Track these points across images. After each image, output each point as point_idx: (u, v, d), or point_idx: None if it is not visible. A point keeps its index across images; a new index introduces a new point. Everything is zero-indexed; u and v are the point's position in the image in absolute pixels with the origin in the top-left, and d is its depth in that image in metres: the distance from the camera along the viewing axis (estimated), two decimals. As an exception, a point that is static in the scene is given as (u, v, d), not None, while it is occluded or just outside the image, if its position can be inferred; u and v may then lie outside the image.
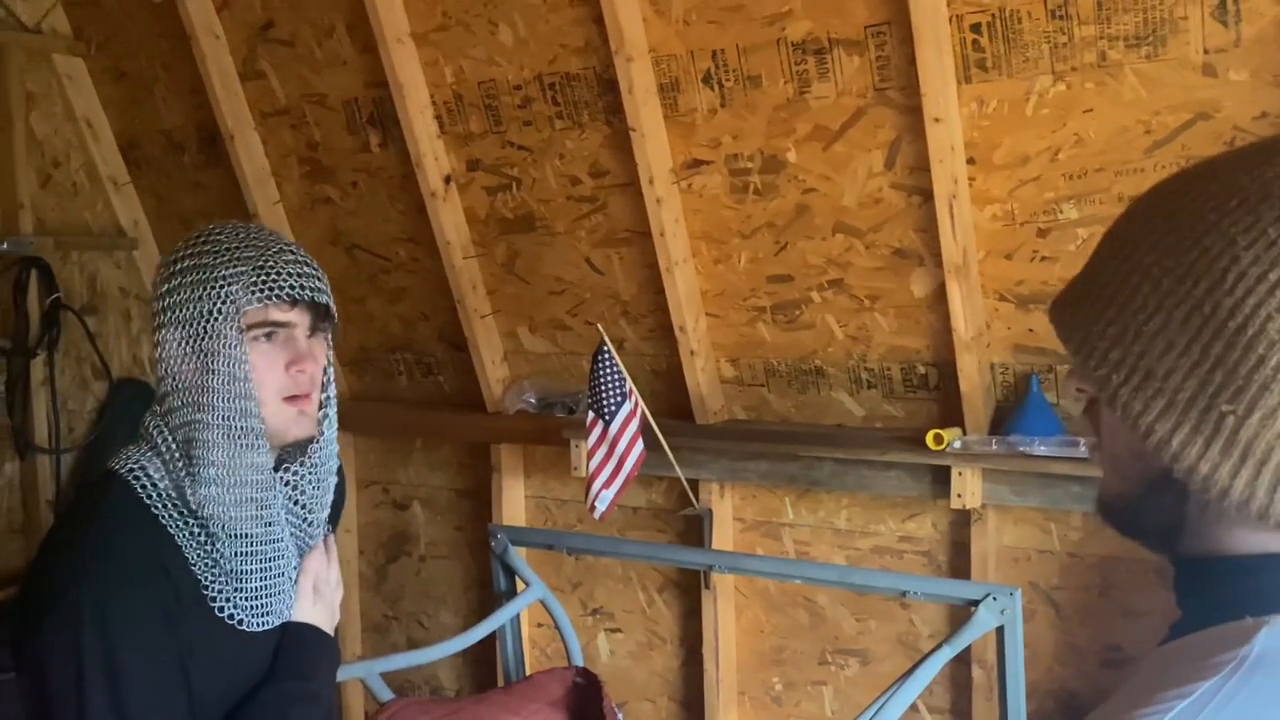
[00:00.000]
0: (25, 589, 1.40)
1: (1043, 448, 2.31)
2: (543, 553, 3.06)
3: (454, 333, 3.22)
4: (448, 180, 2.98)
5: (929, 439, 2.40)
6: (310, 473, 1.49)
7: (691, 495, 2.80)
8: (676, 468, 2.67)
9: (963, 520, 2.57)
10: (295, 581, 1.49)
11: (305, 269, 1.43)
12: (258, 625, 1.42)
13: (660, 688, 3.09)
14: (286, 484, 1.47)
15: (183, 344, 1.39)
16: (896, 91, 2.34)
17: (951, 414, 2.53)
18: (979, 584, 2.34)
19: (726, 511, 2.88)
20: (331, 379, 1.51)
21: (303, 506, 1.49)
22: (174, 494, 1.39)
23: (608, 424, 2.57)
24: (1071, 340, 0.80)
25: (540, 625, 3.24)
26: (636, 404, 2.61)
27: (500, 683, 3.06)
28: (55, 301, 3.40)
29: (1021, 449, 2.33)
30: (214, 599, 1.39)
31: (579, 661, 2.72)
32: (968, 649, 2.26)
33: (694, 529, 2.92)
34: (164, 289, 1.42)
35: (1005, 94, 2.25)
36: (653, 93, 2.58)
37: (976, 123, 2.29)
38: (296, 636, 1.46)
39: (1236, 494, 0.72)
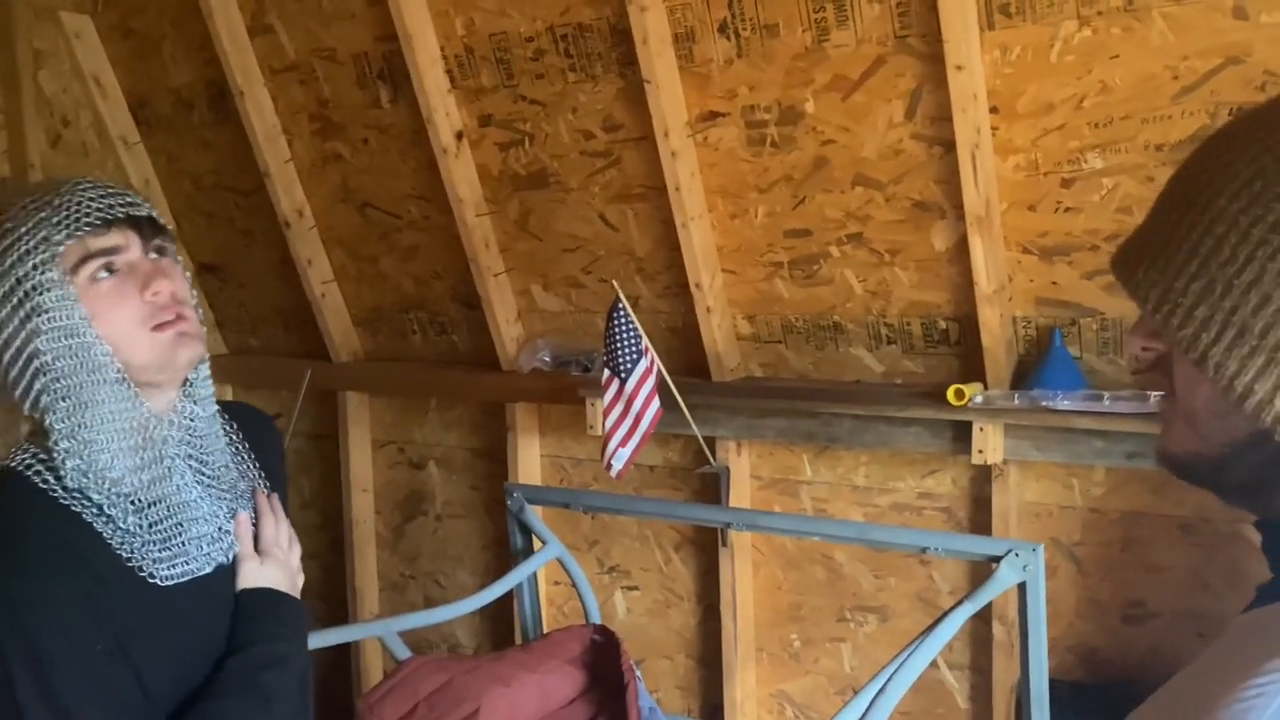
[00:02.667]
0: None
1: (1065, 402, 2.28)
2: (559, 512, 3.05)
3: (467, 291, 3.20)
4: (459, 136, 2.94)
5: (950, 394, 2.37)
6: (193, 403, 1.39)
7: (708, 453, 2.78)
8: (693, 425, 2.65)
9: (983, 476, 2.54)
10: (221, 530, 1.39)
11: (110, 189, 1.33)
12: (177, 577, 1.33)
13: (678, 645, 3.09)
14: (175, 425, 1.37)
15: (13, 316, 1.28)
16: (917, 39, 2.29)
17: (973, 369, 2.50)
18: (1001, 540, 2.31)
19: (744, 469, 2.86)
20: (195, 300, 1.40)
21: (198, 447, 1.39)
22: (66, 473, 1.30)
23: (624, 381, 2.55)
24: (1149, 297, 0.75)
25: (557, 584, 3.24)
26: (652, 361, 2.58)
27: (518, 641, 3.06)
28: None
29: (1044, 403, 2.29)
30: (141, 568, 1.31)
31: (596, 619, 2.72)
32: (988, 606, 2.24)
33: (711, 487, 2.90)
34: None
35: (1029, 40, 2.20)
36: (667, 43, 2.53)
37: (999, 70, 2.24)
38: (251, 603, 1.39)
39: None
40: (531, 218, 2.98)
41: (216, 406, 1.45)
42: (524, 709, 2.31)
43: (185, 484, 1.37)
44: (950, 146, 2.30)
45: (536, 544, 2.83)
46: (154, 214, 1.36)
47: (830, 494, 2.78)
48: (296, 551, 1.51)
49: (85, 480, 1.31)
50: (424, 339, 3.43)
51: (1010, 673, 2.51)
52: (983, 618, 2.48)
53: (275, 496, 1.51)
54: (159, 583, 1.32)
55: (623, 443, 2.57)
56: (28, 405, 1.32)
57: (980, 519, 2.57)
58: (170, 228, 1.39)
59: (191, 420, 1.39)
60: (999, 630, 2.54)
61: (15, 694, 1.21)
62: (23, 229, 1.29)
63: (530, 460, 3.22)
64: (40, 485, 1.31)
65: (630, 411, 2.56)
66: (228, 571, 1.41)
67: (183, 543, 1.34)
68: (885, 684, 2.05)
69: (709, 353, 2.80)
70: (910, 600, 2.72)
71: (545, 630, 2.84)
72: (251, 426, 1.56)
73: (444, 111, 2.90)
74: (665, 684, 3.10)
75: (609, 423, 2.56)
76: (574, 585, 2.77)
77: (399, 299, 3.40)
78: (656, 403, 2.58)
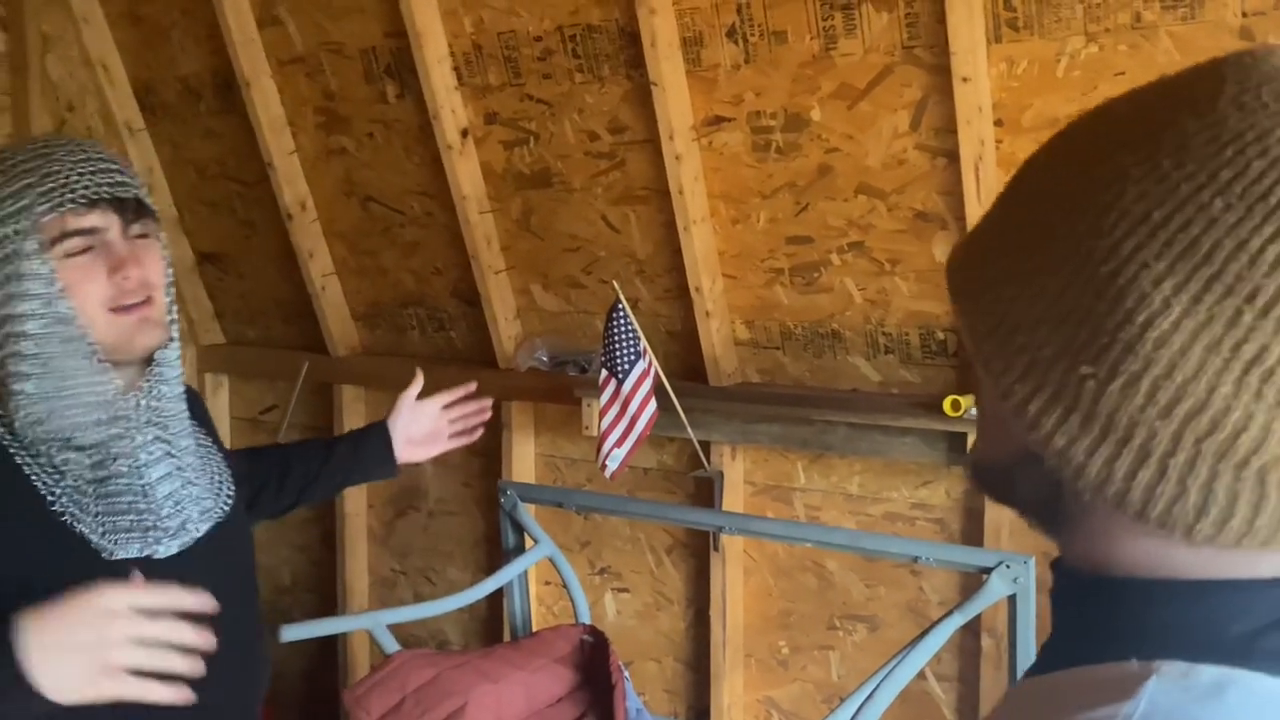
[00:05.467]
0: None
1: (1061, 417, 2.28)
2: (551, 512, 3.06)
3: (467, 288, 3.20)
4: (465, 133, 2.95)
5: (946, 405, 2.37)
6: (161, 383, 1.40)
7: (703, 457, 2.78)
8: (689, 429, 2.65)
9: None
10: (179, 509, 1.39)
11: (101, 164, 1.32)
12: (126, 552, 1.31)
13: (666, 648, 3.09)
14: (140, 404, 1.37)
15: None
16: (925, 50, 2.30)
17: (970, 381, 2.51)
18: (992, 551, 2.32)
19: (737, 474, 2.86)
20: (171, 283, 1.41)
21: (164, 428, 1.40)
22: (22, 430, 1.31)
23: (620, 382, 2.55)
24: (951, 284, 0.66)
25: (548, 583, 3.23)
26: (650, 363, 2.58)
27: (507, 639, 3.06)
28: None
29: (1039, 418, 2.30)
30: (89, 540, 1.30)
31: (586, 619, 2.72)
32: (977, 617, 2.24)
33: (704, 492, 2.91)
34: None
35: (1036, 55, 2.21)
36: (675, 46, 2.54)
37: (1005, 83, 2.25)
38: None
39: (1093, 475, 0.58)
40: (534, 217, 2.99)
41: (183, 389, 1.45)
42: (511, 706, 2.32)
43: (149, 461, 1.37)
44: (954, 158, 2.31)
45: (528, 543, 2.83)
46: (140, 195, 1.36)
47: (823, 502, 2.79)
48: (132, 655, 1.13)
49: (41, 435, 1.31)
50: (422, 335, 3.44)
51: (998, 685, 2.51)
52: (971, 629, 2.48)
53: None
54: (106, 556, 1.31)
55: (618, 444, 2.58)
56: None
57: (973, 531, 2.57)
58: (157, 210, 1.40)
59: (158, 401, 1.39)
60: (988, 642, 2.54)
61: None
62: (5, 191, 1.29)
63: (524, 459, 3.22)
64: None
65: (626, 413, 2.57)
66: (183, 555, 1.39)
67: (136, 519, 1.34)
68: (872, 693, 2.06)
69: (707, 357, 2.81)
70: (900, 610, 2.72)
71: (534, 629, 2.84)
72: (194, 407, 1.55)
73: (450, 108, 2.91)
74: (653, 687, 3.10)
75: (605, 423, 2.57)
76: (564, 585, 2.78)
77: (398, 294, 3.41)
78: (653, 405, 2.58)
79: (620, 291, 2.55)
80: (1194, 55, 2.04)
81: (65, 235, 1.29)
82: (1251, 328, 0.54)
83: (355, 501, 3.59)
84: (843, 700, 2.09)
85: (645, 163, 2.73)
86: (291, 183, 3.31)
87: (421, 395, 2.00)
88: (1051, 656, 0.68)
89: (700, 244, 2.68)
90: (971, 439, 2.38)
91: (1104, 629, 0.63)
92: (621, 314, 2.53)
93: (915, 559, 2.25)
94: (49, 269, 1.28)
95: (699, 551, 2.97)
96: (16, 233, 1.28)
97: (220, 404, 3.89)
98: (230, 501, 1.49)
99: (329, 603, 3.66)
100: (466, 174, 2.97)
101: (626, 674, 2.45)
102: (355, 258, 3.41)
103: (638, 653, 3.11)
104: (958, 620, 2.10)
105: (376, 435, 1.94)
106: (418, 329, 3.43)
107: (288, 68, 3.20)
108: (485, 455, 3.35)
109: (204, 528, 1.42)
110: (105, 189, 1.31)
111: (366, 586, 3.64)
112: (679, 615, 3.05)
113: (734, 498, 2.85)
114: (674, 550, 3.04)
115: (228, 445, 4.06)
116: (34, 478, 1.31)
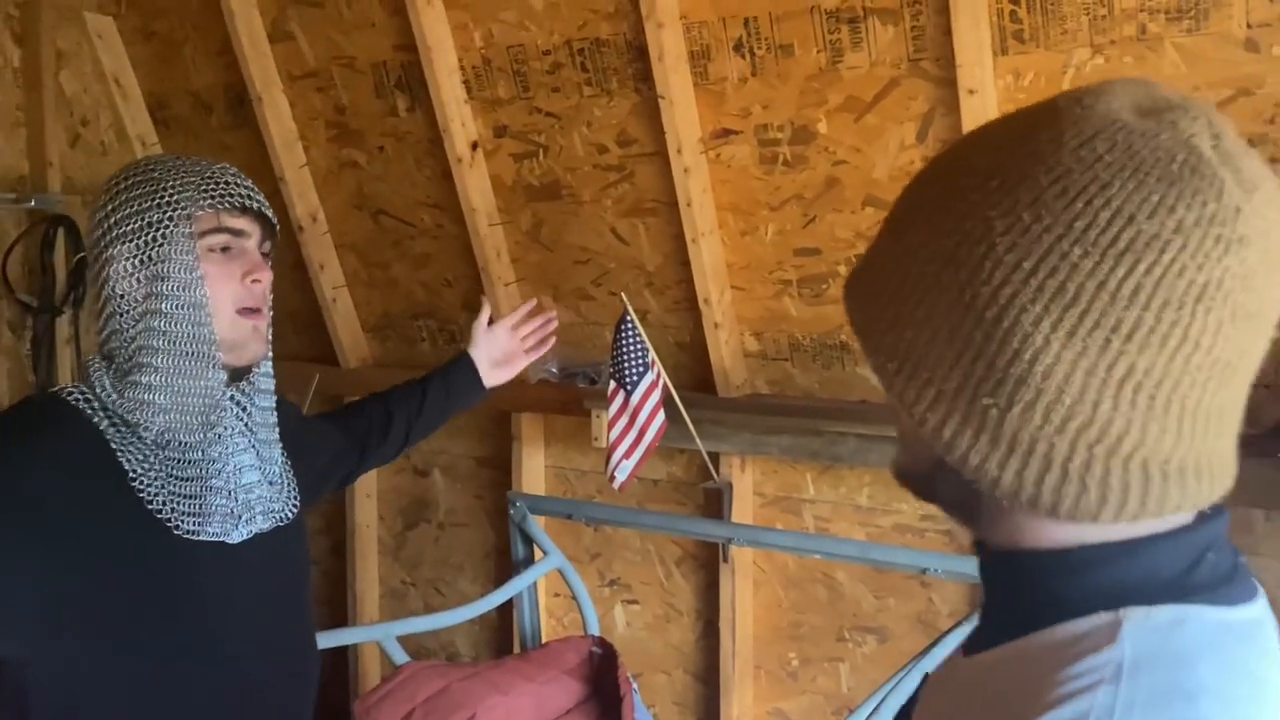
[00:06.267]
0: None
1: (1069, 428, 2.28)
2: (561, 524, 3.06)
3: (477, 300, 3.19)
4: (474, 146, 2.96)
5: (954, 416, 2.37)
6: (257, 392, 1.49)
7: (712, 469, 2.79)
8: (698, 440, 2.65)
9: (986, 500, 2.54)
10: (256, 499, 1.47)
11: (249, 183, 1.45)
12: (192, 534, 1.39)
13: (676, 660, 3.09)
14: (235, 402, 1.45)
15: (132, 258, 1.38)
16: (931, 63, 2.31)
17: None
18: (1000, 564, 2.31)
19: (747, 486, 2.86)
20: (270, 306, 1.51)
21: (252, 429, 1.48)
22: (114, 407, 1.38)
23: (629, 394, 2.56)
24: (854, 322, 0.77)
25: (557, 595, 3.24)
26: (659, 375, 2.59)
27: (516, 651, 3.07)
28: (82, 260, 3.41)
29: (1048, 429, 2.30)
30: (154, 507, 1.37)
31: (596, 631, 2.72)
32: (987, 629, 2.24)
33: (714, 503, 2.91)
34: (109, 208, 1.41)
35: (1042, 66, 2.21)
36: (683, 60, 2.55)
37: (1012, 95, 2.25)
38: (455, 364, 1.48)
39: (1007, 485, 0.70)
40: (543, 229, 3.00)
41: (275, 401, 1.54)
42: (520, 718, 2.32)
43: (235, 451, 1.44)
44: (961, 170, 2.31)
45: (538, 554, 2.84)
46: (275, 221, 1.48)
47: (833, 513, 2.79)
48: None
49: (139, 414, 1.37)
50: (432, 346, 3.45)
51: (1007, 697, 2.50)
52: (981, 641, 2.47)
53: None
54: (176, 532, 1.38)
55: (627, 455, 2.59)
56: (116, 344, 1.40)
57: (982, 542, 2.57)
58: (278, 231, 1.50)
59: (253, 407, 1.48)
60: (997, 654, 2.53)
61: None
62: (168, 183, 1.39)
63: (534, 470, 3.23)
64: (76, 404, 1.38)
65: (635, 424, 2.58)
66: (250, 543, 1.46)
67: (212, 503, 1.41)
68: (879, 704, 2.06)
69: (715, 368, 2.81)
70: (910, 622, 2.71)
71: (544, 641, 2.84)
72: (287, 420, 1.63)
73: (460, 122, 2.92)
74: (662, 699, 3.10)
75: (613, 435, 2.58)
76: (574, 597, 2.78)
77: (409, 306, 3.42)
78: (661, 416, 2.59)
79: (629, 303, 2.56)
80: (1200, 66, 2.05)
81: (215, 230, 1.40)
82: (1120, 352, 0.66)
83: (366, 513, 3.61)
84: (852, 711, 2.09)
85: (654, 175, 2.74)
86: (303, 196, 3.33)
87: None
88: (998, 628, 0.76)
89: (709, 256, 2.69)
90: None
91: (1051, 593, 0.72)
92: (630, 326, 2.54)
93: (925, 570, 2.25)
94: (193, 257, 1.37)
95: (708, 563, 2.97)
96: (171, 219, 1.37)
97: (232, 416, 3.91)
98: (294, 511, 1.56)
99: (339, 614, 3.68)
100: (476, 187, 2.98)
101: (635, 686, 2.45)
102: (366, 270, 3.43)
103: (647, 664, 3.11)
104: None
105: (464, 366, 2.16)
106: (428, 341, 3.45)
107: (299, 82, 3.22)
108: (495, 467, 3.37)
109: (265, 526, 1.49)
110: (255, 201, 1.44)
111: (377, 598, 3.65)
112: (689, 627, 3.05)
113: (743, 509, 2.85)
114: (683, 562, 3.05)
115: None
116: (121, 455, 1.37)
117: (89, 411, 1.38)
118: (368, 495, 3.60)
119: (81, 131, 3.54)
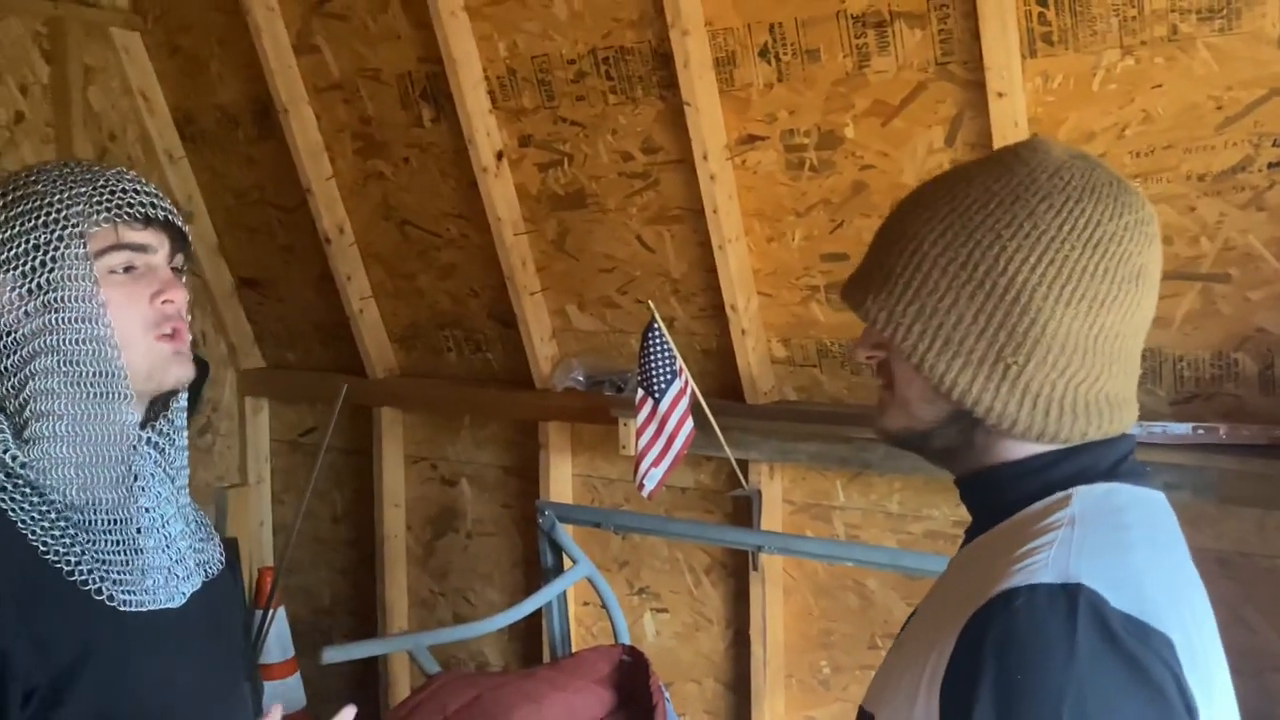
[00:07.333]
0: None
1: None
2: (588, 532, 3.06)
3: (503, 309, 3.21)
4: (500, 156, 2.97)
5: (985, 422, 2.35)
6: (174, 430, 1.31)
7: (740, 476, 2.78)
8: (726, 448, 2.64)
9: (1018, 505, 2.52)
10: (183, 558, 1.29)
11: (152, 190, 1.26)
12: (132, 605, 1.22)
13: (706, 669, 3.07)
14: (152, 444, 1.27)
15: (18, 285, 1.19)
16: (959, 66, 2.29)
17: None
18: (1034, 570, 2.29)
19: (776, 493, 2.85)
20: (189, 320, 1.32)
21: (169, 474, 1.30)
22: (15, 469, 1.18)
23: (657, 402, 2.55)
24: (878, 320, 1.01)
25: (586, 604, 3.23)
26: (686, 382, 2.58)
27: (546, 660, 3.06)
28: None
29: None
30: (81, 577, 1.19)
31: (626, 640, 2.71)
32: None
33: (742, 511, 2.90)
34: None
35: (1071, 69, 2.20)
36: (708, 67, 2.55)
37: (1041, 98, 2.24)
38: None
39: (1021, 423, 0.98)
40: (569, 237, 3.00)
41: (186, 435, 1.35)
42: (552, 727, 2.31)
43: (151, 505, 1.26)
44: (990, 173, 2.30)
45: (567, 563, 2.83)
46: (187, 229, 1.31)
47: (863, 520, 2.77)
48: None
49: (47, 476, 1.19)
50: (459, 356, 3.45)
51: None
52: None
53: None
54: (118, 608, 1.21)
55: (655, 463, 2.58)
56: (5, 387, 1.20)
57: (1014, 548, 2.55)
58: (210, 241, 1.36)
59: (172, 444, 1.31)
60: (1032, 661, 2.51)
61: None
62: (55, 196, 1.20)
63: (562, 479, 3.23)
64: None
65: (663, 432, 2.57)
66: (194, 600, 1.30)
67: (143, 568, 1.24)
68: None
69: (743, 375, 2.80)
70: (942, 629, 2.69)
71: (573, 650, 2.84)
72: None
73: (485, 131, 2.93)
74: (693, 708, 3.09)
75: (642, 443, 2.57)
76: (603, 605, 2.77)
77: (435, 316, 3.43)
78: (690, 424, 2.58)
79: (656, 311, 2.56)
80: (1232, 66, 2.03)
81: (115, 248, 1.21)
82: (1096, 314, 0.96)
83: (394, 523, 3.61)
84: None
85: (679, 182, 2.73)
86: (329, 207, 3.34)
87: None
88: (977, 529, 1.05)
89: (735, 262, 2.68)
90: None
91: (1021, 489, 1.00)
92: (657, 333, 2.54)
93: (957, 577, 2.23)
94: (91, 282, 1.19)
95: (738, 571, 2.96)
96: (61, 239, 1.18)
97: (260, 427, 3.93)
98: (222, 555, 1.40)
99: (368, 624, 3.68)
100: (501, 196, 2.99)
101: (667, 694, 2.44)
102: (392, 280, 3.44)
103: (677, 673, 3.10)
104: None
105: None
106: (455, 350, 3.45)
107: (325, 94, 3.24)
108: (522, 476, 3.37)
109: (198, 579, 1.33)
110: (160, 210, 1.25)
111: (406, 608, 3.66)
112: (719, 635, 3.04)
113: (773, 516, 2.84)
114: (713, 570, 3.03)
115: (269, 467, 4.06)
116: (24, 526, 1.19)
117: None
118: (396, 505, 3.61)
119: (109, 146, 3.56)
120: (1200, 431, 2.21)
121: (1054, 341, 0.95)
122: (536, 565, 3.05)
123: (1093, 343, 0.96)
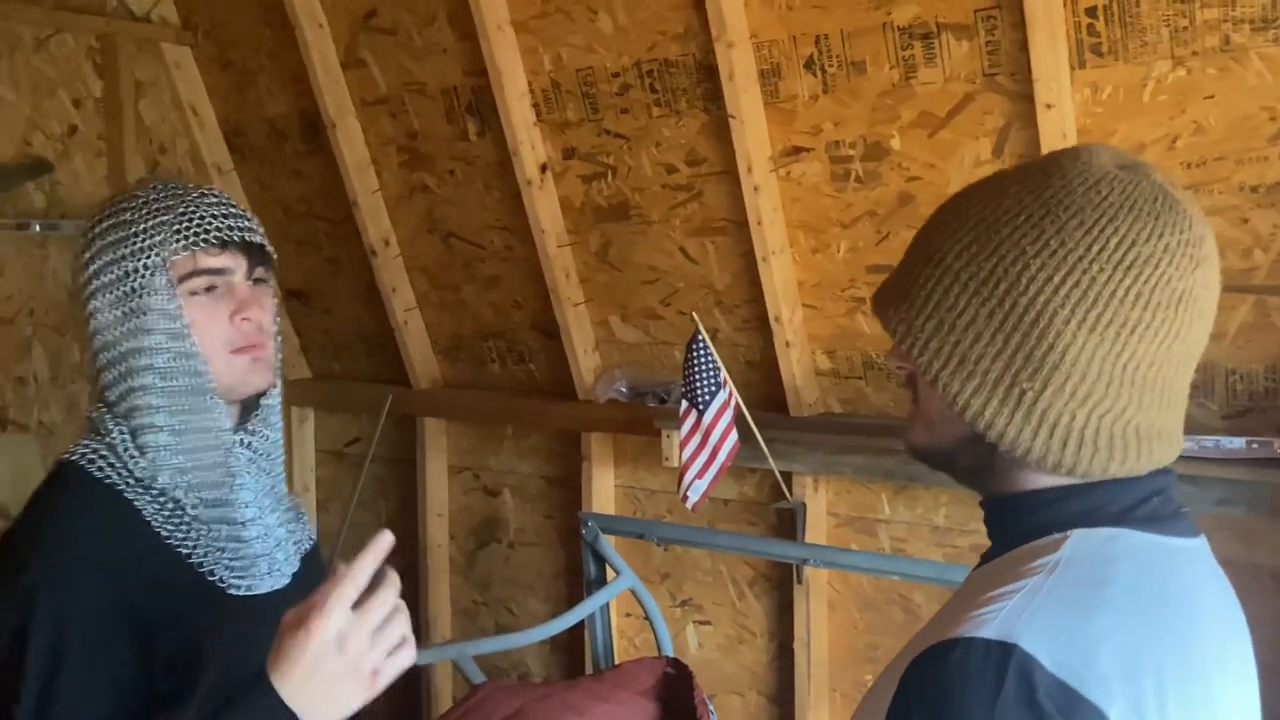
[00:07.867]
0: None
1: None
2: (630, 544, 3.06)
3: (546, 321, 3.23)
4: (544, 169, 2.98)
5: (1033, 435, 2.33)
6: (264, 427, 1.42)
7: (785, 488, 2.77)
8: (770, 460, 2.64)
9: (1066, 520, 2.49)
10: (285, 544, 1.42)
11: (231, 210, 1.36)
12: (244, 589, 1.35)
13: (750, 682, 3.06)
14: (246, 444, 1.39)
15: (113, 308, 1.31)
16: (1006, 77, 2.28)
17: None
18: (1084, 585, 2.27)
19: (820, 506, 2.84)
20: (277, 328, 1.43)
21: (264, 469, 1.41)
22: (130, 470, 1.32)
23: (701, 414, 2.55)
24: (897, 331, 0.97)
25: (628, 615, 3.23)
26: (730, 394, 2.58)
27: (588, 671, 3.06)
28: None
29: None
30: (201, 564, 1.32)
31: (669, 652, 2.71)
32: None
33: (786, 523, 2.89)
34: (86, 256, 1.33)
35: (1121, 80, 2.18)
36: (753, 79, 2.55)
37: (1090, 109, 2.22)
38: (247, 698, 1.10)
39: (1035, 452, 0.92)
40: (612, 249, 3.01)
41: (280, 430, 1.46)
42: (596, 739, 2.31)
43: (251, 500, 1.38)
44: (1038, 185, 2.28)
45: (610, 574, 2.83)
46: (265, 242, 1.40)
47: (909, 533, 2.75)
48: (379, 648, 1.15)
49: (157, 474, 1.32)
50: (502, 367, 3.47)
51: None
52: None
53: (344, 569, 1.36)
54: (230, 590, 1.34)
55: (699, 475, 2.58)
56: (113, 397, 1.33)
57: (1062, 563, 2.52)
58: (275, 258, 1.43)
59: (264, 443, 1.41)
60: (1080, 678, 2.48)
61: (20, 678, 1.19)
62: (140, 226, 1.31)
63: (604, 490, 3.23)
64: (96, 475, 1.31)
65: (707, 444, 2.57)
66: (295, 580, 1.42)
67: (248, 555, 1.36)
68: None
69: (787, 387, 2.80)
70: (988, 644, 2.66)
71: (616, 661, 2.84)
72: None
73: (529, 144, 2.95)
74: (735, 720, 3.08)
75: (686, 454, 2.57)
76: (646, 617, 2.77)
77: (479, 327, 3.45)
78: (734, 436, 2.58)
79: (699, 322, 2.56)
80: (1287, 76, 2.01)
81: (195, 273, 1.32)
82: (1125, 342, 0.89)
83: (437, 533, 3.63)
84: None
85: (723, 194, 2.74)
86: (375, 220, 3.37)
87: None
88: (991, 555, 1.00)
89: (779, 274, 2.68)
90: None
91: (1027, 524, 0.96)
92: (701, 345, 2.54)
93: (1005, 592, 2.21)
94: (175, 305, 1.31)
95: (782, 584, 2.95)
96: (146, 268, 1.30)
97: (306, 437, 3.96)
98: (313, 538, 1.53)
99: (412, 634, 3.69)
100: (545, 208, 3.00)
101: (711, 707, 2.43)
102: (437, 292, 3.46)
103: (721, 686, 3.09)
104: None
105: None
106: (498, 362, 3.47)
107: (371, 108, 3.27)
108: (565, 487, 3.37)
109: (297, 561, 1.46)
110: (237, 232, 1.35)
111: (449, 617, 3.67)
112: (762, 648, 3.03)
113: (817, 529, 2.82)
114: (756, 583, 3.02)
115: (315, 477, 4.07)
116: (154, 522, 1.32)
117: (111, 478, 1.32)
118: (439, 515, 3.63)
119: (160, 159, 3.62)
120: (1254, 446, 2.18)
121: (1074, 369, 0.89)
122: (578, 576, 3.06)
123: (1120, 372, 0.89)
